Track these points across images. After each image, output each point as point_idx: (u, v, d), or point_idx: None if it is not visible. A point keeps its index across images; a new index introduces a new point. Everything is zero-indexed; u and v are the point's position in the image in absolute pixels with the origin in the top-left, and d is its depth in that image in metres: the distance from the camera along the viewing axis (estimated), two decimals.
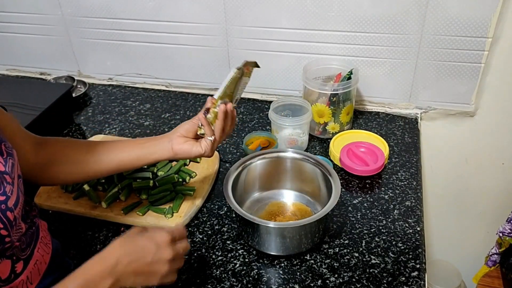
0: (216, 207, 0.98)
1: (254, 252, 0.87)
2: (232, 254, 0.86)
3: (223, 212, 0.96)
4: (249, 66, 0.83)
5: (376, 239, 0.88)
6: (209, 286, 0.80)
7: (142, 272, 0.63)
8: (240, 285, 0.80)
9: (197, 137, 0.83)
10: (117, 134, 1.23)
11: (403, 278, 0.80)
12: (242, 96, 1.35)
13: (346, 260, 0.84)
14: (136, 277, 0.63)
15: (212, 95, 0.81)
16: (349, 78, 1.12)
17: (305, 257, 0.85)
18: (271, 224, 0.81)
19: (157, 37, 1.33)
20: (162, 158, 0.83)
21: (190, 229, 0.92)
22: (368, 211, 0.94)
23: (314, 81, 1.14)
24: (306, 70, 1.15)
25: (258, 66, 0.84)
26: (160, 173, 1.01)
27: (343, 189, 1.00)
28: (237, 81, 0.82)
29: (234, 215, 0.95)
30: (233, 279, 0.81)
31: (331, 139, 1.12)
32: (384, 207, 0.95)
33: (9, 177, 0.61)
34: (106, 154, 0.83)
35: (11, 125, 0.73)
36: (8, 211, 0.59)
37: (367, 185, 1.02)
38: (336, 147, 1.09)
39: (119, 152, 0.83)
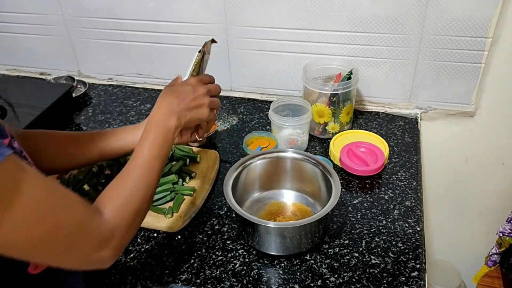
0: (216, 207, 0.98)
1: (254, 252, 0.87)
2: (232, 254, 0.86)
3: (223, 212, 0.96)
4: (208, 45, 0.86)
5: (376, 239, 0.88)
6: (209, 286, 0.80)
7: (191, 107, 0.75)
8: (240, 285, 0.80)
9: None
10: None
11: (403, 278, 0.80)
12: (242, 96, 1.36)
13: (346, 260, 0.84)
14: (189, 112, 0.74)
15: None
16: (349, 78, 1.12)
17: (305, 257, 0.85)
18: (271, 224, 0.81)
19: (157, 37, 1.33)
20: None
21: (190, 229, 0.92)
22: (368, 211, 0.94)
23: (314, 81, 1.14)
24: (306, 70, 1.15)
25: (215, 41, 0.87)
26: None
27: (343, 189, 1.00)
28: (201, 62, 0.85)
29: (234, 215, 0.95)
30: (233, 279, 0.81)
31: (331, 139, 1.12)
32: (384, 207, 0.95)
33: None
34: (88, 146, 0.82)
35: None
36: None
37: (367, 185, 1.02)
38: (336, 147, 1.09)
39: (102, 143, 0.83)
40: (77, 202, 0.55)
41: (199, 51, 0.84)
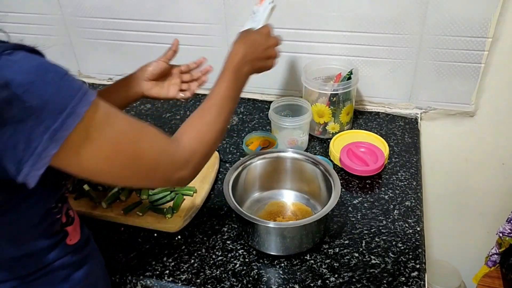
0: (216, 207, 0.98)
1: (254, 252, 0.87)
2: (232, 254, 0.86)
3: (223, 212, 0.96)
4: None
5: (376, 239, 0.88)
6: (209, 286, 0.80)
7: (262, 57, 0.84)
8: (240, 285, 0.80)
9: (164, 77, 0.96)
10: None
11: (403, 278, 0.80)
12: (242, 96, 1.36)
13: (346, 260, 0.84)
14: (260, 61, 0.84)
15: None
16: (349, 78, 1.12)
17: (305, 257, 0.85)
18: (271, 224, 0.81)
19: (157, 37, 1.33)
20: (133, 102, 0.95)
21: (190, 229, 0.92)
22: (368, 211, 0.94)
23: (314, 81, 1.14)
24: (306, 70, 1.15)
25: None
26: None
27: (343, 189, 1.00)
28: (270, 13, 0.92)
29: (234, 215, 0.95)
30: (233, 279, 0.81)
31: (331, 139, 1.12)
32: (384, 207, 0.95)
33: None
34: (113, 95, 0.89)
35: None
36: None
37: (367, 185, 1.02)
38: (336, 147, 1.09)
39: (124, 89, 0.92)
40: (157, 131, 0.63)
41: (271, 1, 0.91)
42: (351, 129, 1.19)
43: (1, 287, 0.62)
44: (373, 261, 0.83)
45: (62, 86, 0.50)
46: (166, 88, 0.96)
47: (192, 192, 0.98)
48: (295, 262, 0.84)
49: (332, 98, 1.11)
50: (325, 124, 1.15)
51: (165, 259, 0.86)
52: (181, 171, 0.65)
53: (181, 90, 0.98)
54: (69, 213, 0.69)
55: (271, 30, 0.88)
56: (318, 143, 1.16)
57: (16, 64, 0.47)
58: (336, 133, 1.15)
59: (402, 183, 1.02)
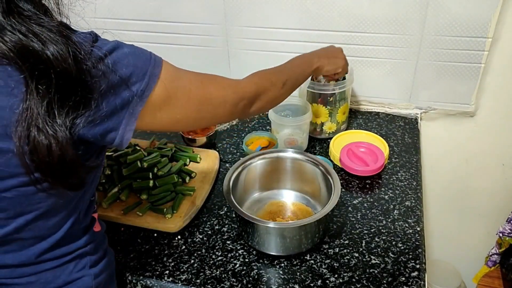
0: (216, 207, 0.98)
1: (254, 252, 0.87)
2: (232, 254, 0.86)
3: (223, 212, 0.96)
4: None
5: (376, 239, 0.88)
6: (209, 286, 0.80)
7: (332, 62, 1.00)
8: (240, 285, 0.80)
9: None
10: None
11: (403, 278, 0.80)
12: None
13: (346, 260, 0.84)
14: (330, 63, 0.99)
15: None
16: (344, 78, 1.12)
17: (305, 257, 0.85)
18: (271, 224, 0.81)
19: (157, 37, 1.33)
20: None
21: (190, 229, 0.92)
22: (368, 211, 0.94)
23: (309, 81, 1.14)
24: None
25: None
26: (160, 173, 1.01)
27: (343, 189, 1.00)
28: None
29: (234, 215, 0.95)
30: (233, 279, 0.81)
31: (328, 139, 1.12)
32: (384, 207, 0.95)
33: None
34: None
35: None
36: None
37: (367, 185, 1.02)
38: (336, 147, 1.09)
39: None
40: (217, 75, 0.72)
41: None
42: (347, 128, 1.19)
43: (55, 262, 0.65)
44: (373, 261, 0.83)
45: (139, 56, 0.60)
46: None
47: (192, 192, 0.98)
48: (295, 262, 0.84)
49: (329, 98, 1.11)
50: (322, 124, 1.15)
51: (165, 259, 0.86)
52: (243, 101, 0.75)
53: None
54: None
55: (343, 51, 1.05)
56: (318, 143, 1.16)
57: (104, 44, 0.58)
58: (333, 132, 1.15)
59: (402, 183, 1.02)
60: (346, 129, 1.19)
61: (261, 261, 0.85)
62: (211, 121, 0.76)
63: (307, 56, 0.97)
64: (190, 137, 1.14)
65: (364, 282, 0.80)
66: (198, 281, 0.81)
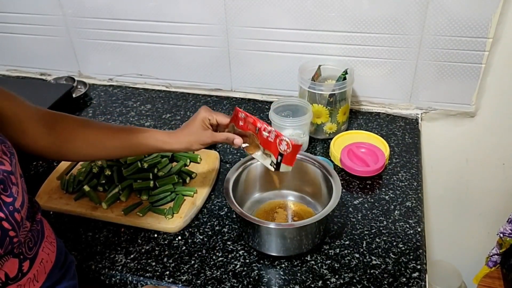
0: (217, 207, 0.98)
1: (255, 253, 0.86)
2: (233, 255, 0.86)
3: (223, 212, 0.96)
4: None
5: (377, 239, 0.88)
6: (209, 287, 0.80)
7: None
8: (240, 286, 0.80)
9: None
10: None
11: (404, 279, 0.80)
12: (242, 96, 1.36)
13: (346, 261, 0.84)
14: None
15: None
16: (345, 78, 1.12)
17: (306, 258, 0.85)
18: (272, 224, 0.81)
19: (157, 38, 1.33)
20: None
21: (190, 229, 0.92)
22: (368, 212, 0.94)
23: (309, 81, 1.14)
24: (302, 71, 1.14)
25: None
26: (160, 174, 1.01)
27: (344, 190, 1.00)
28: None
29: (234, 216, 0.95)
30: (234, 280, 0.81)
31: (329, 139, 1.12)
32: (385, 207, 0.95)
33: (14, 178, 0.61)
34: (121, 139, 0.85)
35: (20, 112, 0.74)
36: (16, 212, 0.60)
37: (368, 186, 1.01)
38: (336, 147, 1.09)
39: (135, 139, 0.85)
40: None
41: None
42: (348, 129, 1.19)
43: None
44: (373, 262, 0.83)
45: None
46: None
47: (192, 193, 0.98)
48: (295, 263, 0.84)
49: (329, 98, 1.11)
50: (323, 124, 1.15)
51: (165, 260, 0.86)
52: None
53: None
54: (22, 268, 0.63)
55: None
56: (319, 143, 1.16)
57: None
58: (333, 133, 1.15)
59: (403, 184, 1.01)
60: (346, 130, 1.19)
61: (261, 261, 0.85)
62: None
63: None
64: None
65: (365, 282, 0.79)
66: (198, 281, 0.81)
